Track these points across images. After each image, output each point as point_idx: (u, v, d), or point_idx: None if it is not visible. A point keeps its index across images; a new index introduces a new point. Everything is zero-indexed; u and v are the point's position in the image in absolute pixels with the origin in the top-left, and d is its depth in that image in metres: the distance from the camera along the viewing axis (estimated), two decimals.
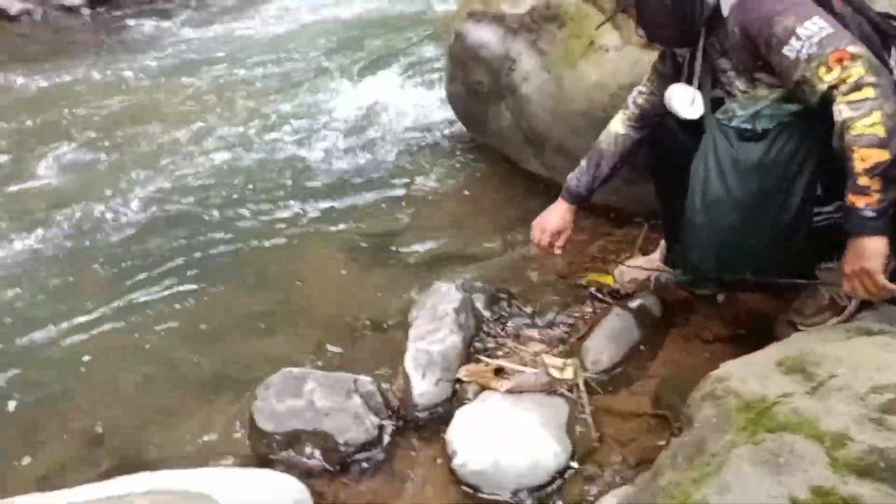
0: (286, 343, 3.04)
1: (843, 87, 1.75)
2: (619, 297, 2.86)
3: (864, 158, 1.71)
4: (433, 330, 2.61)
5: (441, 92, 4.54)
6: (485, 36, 3.72)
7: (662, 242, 2.81)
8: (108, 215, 4.06)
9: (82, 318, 3.21)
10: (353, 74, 5.95)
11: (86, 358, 2.99)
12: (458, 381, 2.51)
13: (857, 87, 1.72)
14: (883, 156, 1.69)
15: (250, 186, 4.37)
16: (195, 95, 5.77)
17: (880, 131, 1.69)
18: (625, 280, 2.86)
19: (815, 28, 1.80)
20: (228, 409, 2.67)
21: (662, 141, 2.51)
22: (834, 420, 1.39)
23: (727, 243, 2.10)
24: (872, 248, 1.74)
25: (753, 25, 1.94)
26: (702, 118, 2.21)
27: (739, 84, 2.14)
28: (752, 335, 2.58)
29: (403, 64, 5.91)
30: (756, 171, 2.02)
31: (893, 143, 1.69)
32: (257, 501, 1.98)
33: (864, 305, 2.28)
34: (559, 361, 2.55)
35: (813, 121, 1.94)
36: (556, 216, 2.62)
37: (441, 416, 2.41)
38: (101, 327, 3.17)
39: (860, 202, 1.75)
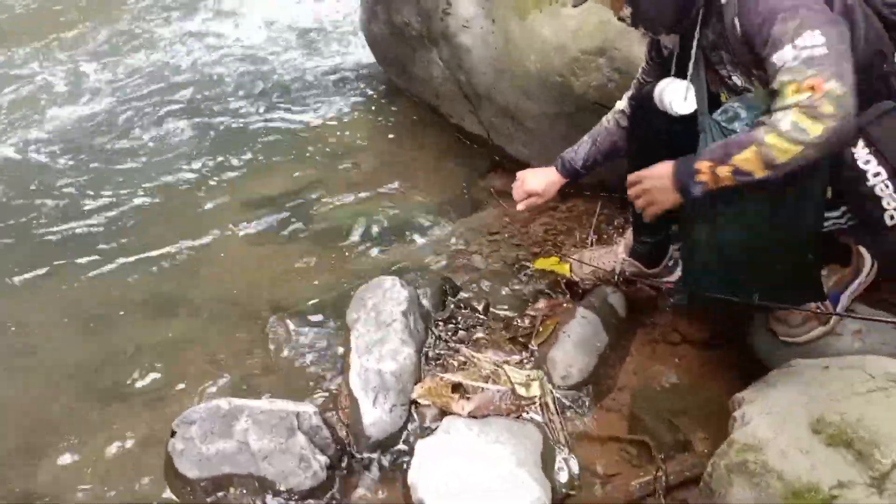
0: (193, 338, 2.61)
1: (805, 102, 1.57)
2: (577, 291, 2.61)
3: (748, 159, 1.64)
4: (380, 340, 2.26)
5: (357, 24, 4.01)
6: None
7: (628, 233, 2.55)
8: None
9: None
10: None
11: None
12: (413, 402, 2.20)
13: (814, 117, 1.56)
14: (759, 172, 1.65)
15: (130, 136, 3.75)
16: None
17: (781, 159, 1.61)
18: (584, 271, 2.60)
19: (811, 41, 1.58)
20: (133, 436, 2.25)
21: (643, 127, 2.22)
22: None
23: (734, 263, 1.90)
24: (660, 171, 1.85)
25: (755, 19, 1.70)
26: (695, 114, 1.95)
27: (737, 79, 1.90)
28: (721, 339, 2.41)
29: None
30: (770, 184, 1.75)
31: (774, 174, 1.64)
32: None
33: (848, 313, 2.17)
34: (522, 375, 2.28)
35: None
36: (541, 179, 2.40)
37: (398, 450, 2.10)
38: None
39: (697, 179, 1.74)
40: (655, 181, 1.87)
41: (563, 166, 2.38)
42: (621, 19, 1.97)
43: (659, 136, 2.13)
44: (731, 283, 1.94)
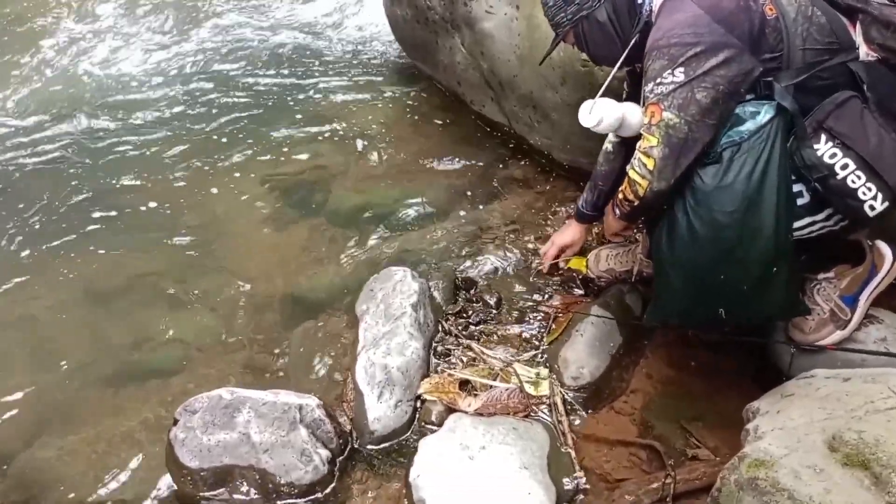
0: (203, 321, 2.62)
1: (643, 144, 1.85)
2: (593, 288, 2.55)
3: (625, 188, 1.95)
4: (389, 333, 2.22)
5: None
6: None
7: (644, 233, 2.48)
8: None
9: None
10: None
11: None
12: (420, 397, 2.16)
13: (647, 153, 1.83)
14: (634, 200, 1.93)
15: (144, 114, 3.73)
16: None
17: (641, 191, 1.88)
18: (600, 269, 2.53)
19: (669, 79, 1.76)
20: (139, 420, 2.26)
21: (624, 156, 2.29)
22: None
23: (697, 280, 1.87)
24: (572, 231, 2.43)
25: (645, 51, 1.85)
26: None
27: None
28: (740, 344, 2.33)
29: None
30: (715, 196, 1.77)
31: (645, 198, 1.88)
32: None
33: (870, 321, 2.09)
34: (532, 372, 2.24)
35: (771, 135, 1.74)
36: (567, 234, 2.53)
37: (402, 446, 2.07)
38: None
39: (609, 209, 2.20)
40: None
41: (580, 217, 2.47)
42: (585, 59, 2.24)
43: None
44: (695, 302, 1.92)
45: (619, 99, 2.07)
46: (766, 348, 2.25)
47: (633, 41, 1.94)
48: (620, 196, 2.00)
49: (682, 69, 1.74)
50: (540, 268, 2.59)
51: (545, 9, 2.04)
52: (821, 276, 2.12)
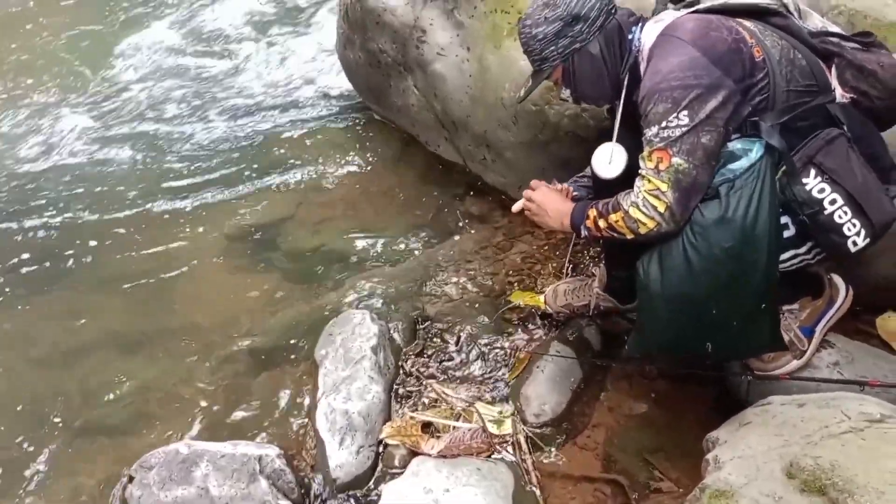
0: (158, 373, 2.56)
1: (648, 185, 1.81)
2: (551, 322, 2.56)
3: (617, 221, 1.87)
4: (349, 378, 2.20)
5: (333, 50, 3.96)
6: None
7: (602, 267, 2.51)
8: None
9: None
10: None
11: None
12: (382, 442, 2.13)
13: (656, 196, 1.79)
14: (627, 234, 1.87)
15: (104, 169, 3.67)
16: None
17: (643, 230, 1.83)
18: (558, 304, 2.55)
19: (674, 122, 1.76)
20: (92, 478, 2.21)
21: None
22: None
23: (685, 316, 1.86)
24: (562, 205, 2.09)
25: (641, 94, 1.84)
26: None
27: None
28: (699, 373, 2.35)
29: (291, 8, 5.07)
30: (714, 231, 1.78)
31: (646, 237, 1.84)
32: None
33: (823, 346, 2.14)
34: (495, 411, 2.24)
35: (761, 172, 1.77)
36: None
37: (365, 493, 2.04)
38: None
39: (586, 224, 1.98)
40: (553, 207, 2.10)
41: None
42: (563, 100, 2.10)
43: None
44: (683, 335, 1.92)
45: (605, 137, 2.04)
46: (721, 377, 2.28)
47: (625, 79, 1.93)
48: (603, 224, 1.92)
49: (686, 112, 1.74)
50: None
51: (532, 42, 1.94)
52: (785, 307, 2.15)
